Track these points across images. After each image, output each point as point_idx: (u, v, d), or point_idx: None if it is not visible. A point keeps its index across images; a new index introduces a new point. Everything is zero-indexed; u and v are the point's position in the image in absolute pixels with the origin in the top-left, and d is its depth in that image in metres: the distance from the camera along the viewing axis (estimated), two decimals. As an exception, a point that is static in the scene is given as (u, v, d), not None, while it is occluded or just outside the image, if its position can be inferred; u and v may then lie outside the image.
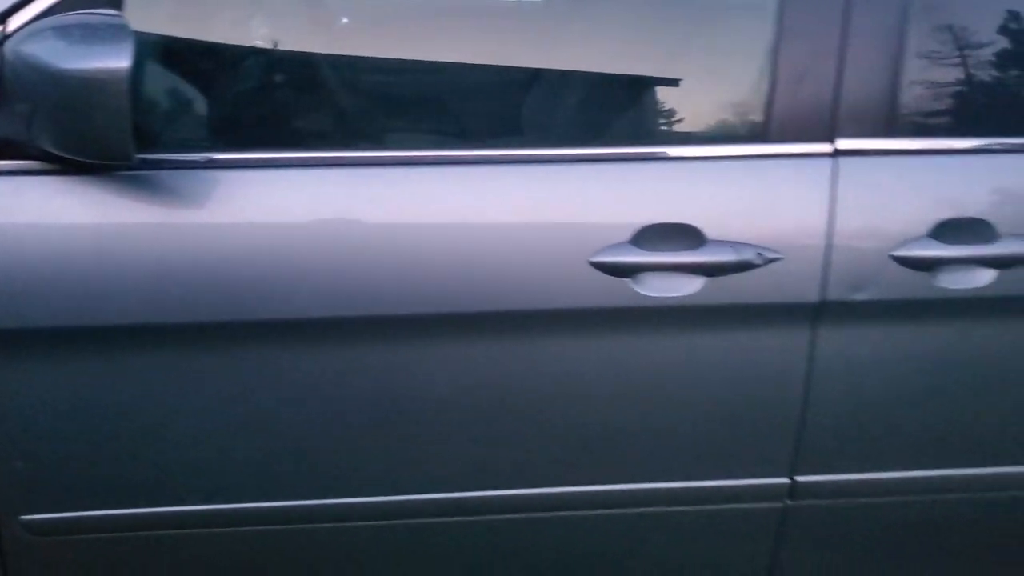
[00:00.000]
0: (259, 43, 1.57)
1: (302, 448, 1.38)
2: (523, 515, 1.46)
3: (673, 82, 1.48)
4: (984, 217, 1.40)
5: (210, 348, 1.31)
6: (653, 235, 1.34)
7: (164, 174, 1.26)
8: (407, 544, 1.47)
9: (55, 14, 1.19)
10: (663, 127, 1.48)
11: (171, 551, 1.42)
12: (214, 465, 1.38)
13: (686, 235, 1.34)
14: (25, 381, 1.29)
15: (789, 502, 1.50)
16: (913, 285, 1.40)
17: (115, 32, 1.12)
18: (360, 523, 1.43)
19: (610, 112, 1.49)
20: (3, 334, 1.26)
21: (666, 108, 1.49)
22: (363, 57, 1.49)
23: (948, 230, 1.39)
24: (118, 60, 1.10)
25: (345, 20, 1.95)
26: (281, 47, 1.60)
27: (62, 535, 1.37)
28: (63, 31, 1.13)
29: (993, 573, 1.66)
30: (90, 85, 1.10)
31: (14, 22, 1.21)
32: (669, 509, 1.48)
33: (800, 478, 1.49)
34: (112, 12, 1.19)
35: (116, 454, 1.35)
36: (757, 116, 1.39)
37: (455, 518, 1.44)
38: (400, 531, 1.45)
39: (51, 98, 1.12)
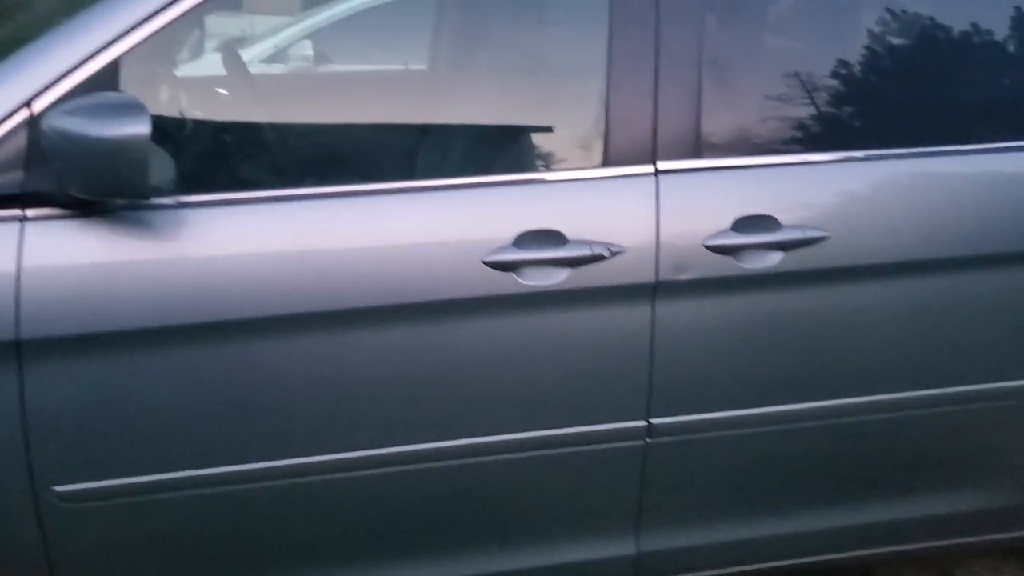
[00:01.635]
0: (212, 115, 2.03)
1: (271, 420, 1.77)
2: (433, 464, 1.84)
3: (538, 127, 2.01)
4: (770, 213, 1.89)
5: (197, 344, 1.70)
6: (529, 239, 1.79)
7: (148, 214, 1.66)
8: (352, 494, 1.85)
9: (74, 97, 1.59)
10: (532, 159, 1.98)
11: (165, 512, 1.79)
12: (197, 438, 1.75)
13: (554, 238, 1.80)
14: (57, 378, 1.65)
15: (649, 440, 1.95)
16: (722, 266, 1.87)
17: (134, 107, 1.53)
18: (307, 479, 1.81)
19: (497, 150, 2.00)
20: (40, 341, 1.61)
21: (534, 146, 2.00)
22: (298, 122, 1.94)
23: (745, 224, 1.88)
24: (142, 127, 1.51)
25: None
26: (226, 118, 2.06)
27: (86, 501, 1.73)
28: (92, 109, 1.53)
29: (823, 491, 2.09)
30: (124, 146, 1.50)
31: (38, 104, 1.60)
32: (554, 452, 1.90)
33: (655, 420, 1.93)
34: (123, 93, 1.60)
35: (126, 434, 1.72)
36: (599, 149, 1.88)
37: (384, 469, 1.83)
38: (342, 483, 1.82)
39: (84, 157, 1.51)
